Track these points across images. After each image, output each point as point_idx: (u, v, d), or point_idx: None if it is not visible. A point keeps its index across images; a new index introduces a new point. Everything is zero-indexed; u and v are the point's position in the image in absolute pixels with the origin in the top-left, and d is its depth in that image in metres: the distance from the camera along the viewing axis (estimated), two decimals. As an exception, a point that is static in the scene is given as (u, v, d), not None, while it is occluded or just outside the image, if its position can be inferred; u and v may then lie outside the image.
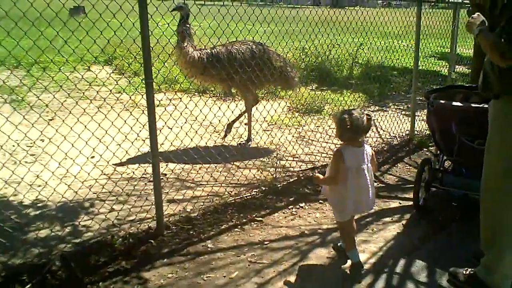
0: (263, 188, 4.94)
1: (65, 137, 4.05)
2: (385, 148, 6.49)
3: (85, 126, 4.22)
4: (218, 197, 4.73)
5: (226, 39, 5.27)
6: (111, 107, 4.53)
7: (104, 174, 4.73)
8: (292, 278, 3.48)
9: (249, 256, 3.75)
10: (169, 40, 4.71)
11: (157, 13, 4.63)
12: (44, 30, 3.58)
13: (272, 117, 7.26)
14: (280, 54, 6.46)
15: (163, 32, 4.32)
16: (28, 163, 4.97)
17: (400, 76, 11.15)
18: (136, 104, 5.92)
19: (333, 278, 3.54)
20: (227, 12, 4.64)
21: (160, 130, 4.94)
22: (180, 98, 5.89)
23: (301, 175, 5.36)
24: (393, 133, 7.15)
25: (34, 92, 6.98)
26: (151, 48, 3.66)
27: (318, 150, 6.22)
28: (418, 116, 7.18)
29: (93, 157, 4.87)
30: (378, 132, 7.29)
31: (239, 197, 4.72)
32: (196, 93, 8.33)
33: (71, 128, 4.19)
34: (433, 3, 8.26)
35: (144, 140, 5.84)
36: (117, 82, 4.91)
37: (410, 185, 5.08)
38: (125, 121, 4.35)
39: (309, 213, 4.57)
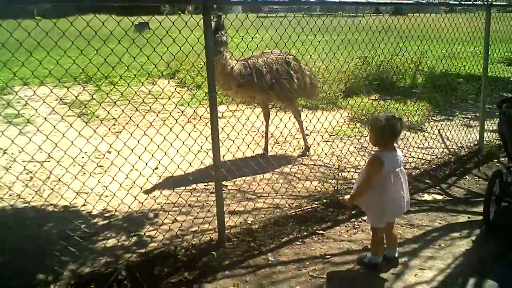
0: (324, 201, 4.88)
1: (132, 149, 4.20)
2: (452, 159, 6.24)
3: (151, 139, 4.36)
4: (278, 209, 4.72)
5: (288, 50, 5.30)
6: (176, 120, 4.65)
7: (168, 186, 4.85)
8: (354, 294, 3.41)
9: (310, 270, 3.72)
10: (231, 53, 4.80)
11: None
12: (115, 47, 3.74)
13: (333, 127, 7.18)
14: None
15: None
16: (97, 174, 5.21)
17: (467, 84, 10.71)
18: (200, 116, 6.05)
19: (398, 295, 3.44)
20: (289, 24, 4.65)
21: (223, 142, 5.02)
22: (242, 110, 5.96)
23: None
24: (461, 143, 6.87)
25: (104, 106, 7.31)
26: (214, 62, 3.73)
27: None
28: (487, 125, 6.86)
29: (157, 168, 5.01)
30: (444, 142, 7.03)
31: (300, 209, 4.70)
32: (257, 105, 8.39)
33: (138, 140, 4.34)
34: (504, 6, 7.90)
35: (207, 152, 5.94)
36: (182, 96, 5.05)
37: (479, 199, 4.85)
38: (189, 133, 4.45)
39: (371, 227, 4.47)
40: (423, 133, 7.45)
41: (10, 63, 3.78)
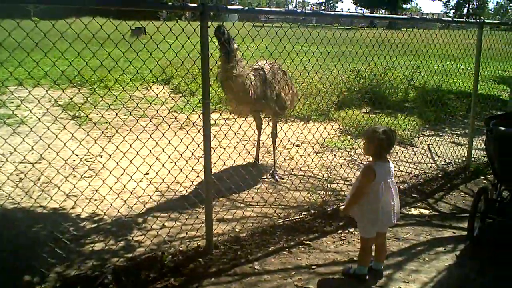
0: (313, 211, 4.93)
1: (124, 153, 4.22)
2: (440, 175, 6.32)
3: (144, 144, 4.40)
4: (267, 218, 4.76)
5: (282, 60, 5.36)
6: (169, 125, 4.68)
7: (159, 191, 4.88)
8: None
9: (295, 280, 3.75)
10: (216, 61, 4.84)
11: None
12: (112, 51, 3.78)
13: (324, 139, 7.25)
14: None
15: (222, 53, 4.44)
16: (87, 177, 5.22)
17: (457, 100, 10.84)
18: (193, 123, 6.08)
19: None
20: (284, 34, 4.71)
21: (214, 150, 5.06)
22: (235, 118, 6.00)
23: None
24: (449, 159, 6.96)
25: (98, 109, 7.32)
26: (210, 69, 3.78)
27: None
28: (476, 142, 6.96)
29: (148, 173, 5.04)
30: (433, 157, 7.12)
31: (288, 219, 4.73)
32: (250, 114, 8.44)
33: (130, 145, 4.36)
34: (496, 25, 8.03)
35: (198, 159, 5.98)
36: (175, 102, 5.08)
37: (465, 214, 4.92)
38: (181, 139, 4.49)
39: (358, 239, 4.49)
40: (412, 147, 7.53)
41: (6, 62, 3.81)
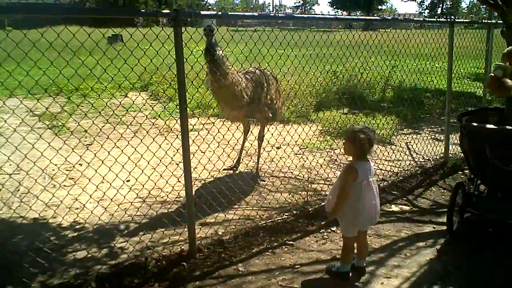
0: (295, 212, 4.96)
1: (103, 161, 4.20)
2: (418, 172, 6.41)
3: (122, 151, 4.38)
4: (249, 220, 4.78)
5: (258, 64, 5.38)
6: (147, 132, 4.67)
7: (139, 197, 4.86)
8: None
9: (279, 280, 3.77)
10: (202, 66, 4.85)
11: (191, 41, 4.79)
12: (85, 59, 3.77)
13: (303, 140, 7.30)
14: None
15: (197, 59, 4.46)
16: (67, 186, 5.17)
17: (434, 98, 11.03)
18: (171, 128, 6.07)
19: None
20: (259, 38, 4.74)
21: (193, 154, 5.06)
22: (213, 123, 6.01)
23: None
24: (427, 156, 7.07)
25: (74, 118, 7.25)
26: (185, 74, 3.79)
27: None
28: (452, 138, 7.08)
29: (128, 180, 5.01)
30: (411, 155, 7.22)
31: (270, 220, 4.76)
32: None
33: (108, 152, 4.34)
34: (467, 24, 8.19)
35: (178, 164, 5.96)
36: (153, 108, 5.08)
37: (444, 209, 5.00)
38: (159, 145, 4.48)
39: (340, 237, 4.54)
40: (391, 146, 7.63)
41: (-21, 74, 3.77)
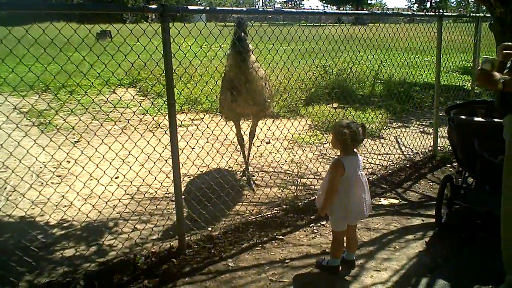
0: (284, 207, 4.96)
1: (90, 158, 4.17)
2: (407, 165, 6.44)
3: (109, 147, 4.35)
4: (239, 215, 4.76)
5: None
6: (135, 128, 4.64)
7: (128, 194, 4.83)
8: (312, 297, 3.48)
9: (270, 274, 3.77)
10: (190, 62, 4.81)
11: (179, 36, 4.76)
12: (72, 55, 3.72)
13: (292, 135, 7.30)
14: None
15: (185, 54, 4.43)
16: (54, 184, 5.12)
17: (423, 92, 11.08)
18: (159, 125, 6.03)
19: (354, 296, 3.53)
20: (248, 32, 4.71)
21: (182, 150, 5.03)
22: (202, 118, 5.98)
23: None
24: (416, 149, 7.10)
25: (61, 115, 7.19)
26: (173, 70, 3.76)
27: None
28: (441, 132, 7.12)
29: (117, 177, 4.98)
30: (401, 148, 7.25)
31: (260, 215, 4.75)
32: (218, 113, 8.43)
33: (96, 149, 4.31)
34: (455, 17, 8.22)
35: (166, 160, 5.94)
36: (140, 104, 5.04)
37: (433, 202, 5.02)
38: (148, 141, 4.45)
39: (330, 231, 4.54)
40: (380, 139, 7.65)
41: (-38, 71, 3.71)
